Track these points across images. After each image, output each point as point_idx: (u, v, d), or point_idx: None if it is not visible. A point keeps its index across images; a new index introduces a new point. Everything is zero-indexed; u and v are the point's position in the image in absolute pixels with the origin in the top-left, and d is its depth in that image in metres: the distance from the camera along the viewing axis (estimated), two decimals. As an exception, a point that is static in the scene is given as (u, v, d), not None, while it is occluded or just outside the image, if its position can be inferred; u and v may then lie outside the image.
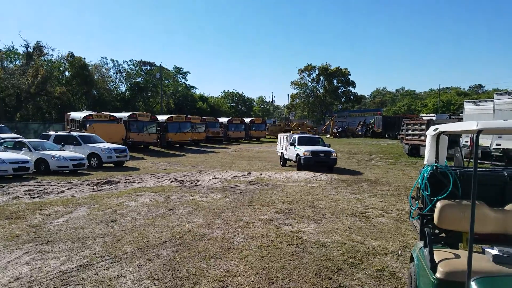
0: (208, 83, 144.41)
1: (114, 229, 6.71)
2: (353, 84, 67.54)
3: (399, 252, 5.66)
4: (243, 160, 21.50)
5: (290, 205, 9.10)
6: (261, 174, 15.10)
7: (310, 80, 70.86)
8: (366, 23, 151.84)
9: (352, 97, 68.27)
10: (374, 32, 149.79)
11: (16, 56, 45.19)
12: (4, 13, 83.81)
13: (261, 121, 44.62)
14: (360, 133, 44.84)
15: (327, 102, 69.43)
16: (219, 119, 40.00)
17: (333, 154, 16.15)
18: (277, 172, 15.82)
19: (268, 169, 16.88)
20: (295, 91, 72.59)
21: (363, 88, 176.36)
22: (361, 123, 46.48)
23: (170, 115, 32.34)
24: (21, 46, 44.69)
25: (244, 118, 43.93)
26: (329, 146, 17.31)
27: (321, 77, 69.30)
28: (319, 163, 16.11)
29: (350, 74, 66.92)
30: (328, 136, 48.25)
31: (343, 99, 69.45)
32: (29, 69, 38.93)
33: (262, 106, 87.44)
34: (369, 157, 22.08)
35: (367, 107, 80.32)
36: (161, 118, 30.28)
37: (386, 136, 41.08)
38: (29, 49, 41.82)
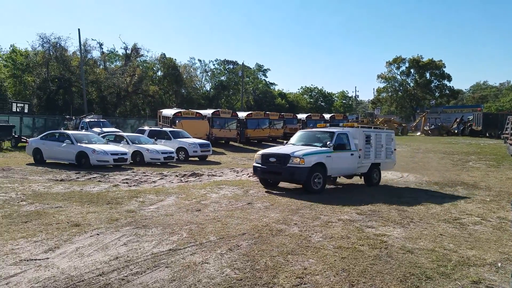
0: (287, 79, 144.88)
1: (199, 218, 7.19)
2: (449, 77, 61.82)
3: (499, 264, 5.08)
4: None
5: (373, 206, 8.73)
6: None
7: (399, 73, 66.70)
8: (463, 9, 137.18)
9: (447, 92, 62.51)
10: (473, 19, 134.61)
11: (117, 58, 50.63)
12: (108, 19, 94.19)
13: (342, 117, 43.40)
14: (456, 131, 40.82)
15: (418, 97, 64.66)
16: (297, 115, 39.93)
17: (296, 159, 9.83)
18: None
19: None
20: (382, 85, 68.94)
21: (461, 81, 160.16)
22: (457, 120, 42.25)
23: (249, 112, 33.32)
24: (121, 48, 49.86)
25: (323, 114, 43.16)
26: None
27: (412, 70, 64.73)
28: (270, 173, 10.59)
29: (445, 67, 61.37)
30: (418, 133, 44.94)
31: (436, 94, 64.02)
32: (127, 69, 43.35)
33: (344, 101, 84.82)
34: (466, 158, 20.05)
35: (465, 103, 72.76)
36: (241, 114, 31.33)
37: (487, 135, 36.76)
38: (127, 51, 46.53)
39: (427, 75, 63.85)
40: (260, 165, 10.70)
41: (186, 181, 12.44)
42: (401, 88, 66.68)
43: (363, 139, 11.74)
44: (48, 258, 4.89)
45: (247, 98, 60.06)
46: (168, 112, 29.66)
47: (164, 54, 52.08)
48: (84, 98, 36.63)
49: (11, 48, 45.34)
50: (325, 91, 80.00)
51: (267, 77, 71.41)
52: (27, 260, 4.81)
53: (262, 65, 69.67)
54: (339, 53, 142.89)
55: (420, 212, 8.25)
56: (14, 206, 7.75)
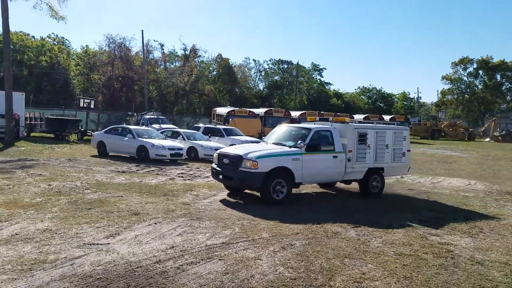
0: (343, 79, 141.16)
1: (251, 215, 7.17)
2: (524, 80, 56.44)
3: None
4: (380, 161, 20.30)
5: (438, 214, 8.14)
6: (401, 177, 13.97)
7: (466, 74, 62.25)
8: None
9: (522, 95, 57.14)
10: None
11: (176, 58, 52.76)
12: (170, 21, 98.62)
13: (403, 119, 41.36)
14: (531, 138, 37.13)
15: (487, 100, 59.86)
16: (354, 116, 38.75)
17: (248, 163, 8.08)
18: (421, 176, 14.39)
19: (411, 172, 15.51)
20: (447, 87, 64.78)
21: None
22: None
23: (302, 111, 32.93)
24: (180, 49, 51.90)
25: (383, 116, 41.46)
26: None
27: (480, 71, 60.08)
28: (224, 178, 8.83)
29: (518, 68, 56.09)
30: (487, 139, 41.60)
31: (508, 97, 58.75)
32: (185, 69, 45.02)
33: (405, 102, 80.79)
34: (545, 168, 18.08)
35: (543, 107, 65.93)
36: (294, 114, 31.06)
37: None
38: (186, 52, 48.34)
39: (498, 77, 58.89)
40: (216, 167, 9.00)
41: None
42: (468, 90, 62.20)
43: (355, 138, 9.28)
44: (109, 244, 5.14)
45: (301, 97, 59.60)
46: (222, 110, 30.30)
47: (220, 54, 53.40)
48: (145, 96, 38.65)
49: (84, 48, 49.21)
50: (384, 91, 76.77)
51: (322, 76, 70.24)
52: (90, 244, 5.09)
53: (318, 65, 68.68)
54: (400, 52, 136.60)
55: (491, 222, 7.54)
56: (79, 194, 8.30)
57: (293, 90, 56.53)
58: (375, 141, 9.66)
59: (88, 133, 24.47)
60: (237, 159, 8.33)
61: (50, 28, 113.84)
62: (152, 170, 13.04)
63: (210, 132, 20.61)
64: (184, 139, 18.23)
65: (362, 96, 75.76)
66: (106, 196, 8.19)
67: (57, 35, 52.13)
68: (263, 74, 62.54)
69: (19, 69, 39.44)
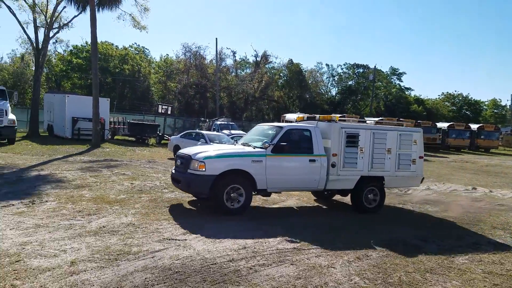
0: (425, 84, 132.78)
1: (323, 222, 7.09)
2: None
3: None
4: (466, 172, 18.69)
5: (537, 233, 7.27)
6: (490, 191, 12.72)
7: None
8: None
9: None
10: None
11: (247, 65, 54.26)
12: (242, 28, 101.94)
13: (493, 128, 37.66)
14: None
15: None
16: (436, 123, 36.21)
17: (195, 163, 7.14)
18: (515, 191, 12.95)
19: (502, 186, 14.05)
20: (548, 93, 57.54)
21: None
22: None
23: (379, 118, 31.56)
24: (252, 56, 53.29)
25: (469, 124, 38.16)
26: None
27: None
28: (174, 180, 7.94)
29: None
30: None
31: None
32: (256, 76, 46.09)
33: (495, 110, 73.51)
34: None
35: None
36: (370, 121, 29.95)
37: None
38: (257, 58, 49.49)
39: None
40: (173, 170, 8.14)
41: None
42: None
43: (342, 140, 7.84)
44: (186, 240, 5.48)
45: (377, 103, 57.28)
46: (291, 116, 30.43)
47: (291, 59, 53.69)
48: (216, 102, 40.34)
49: (163, 57, 53.03)
50: (471, 98, 70.57)
51: (402, 81, 66.63)
52: (169, 239, 5.47)
53: (397, 69, 65.36)
54: (490, 56, 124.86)
55: None
56: (158, 193, 8.94)
57: (369, 96, 54.59)
58: (370, 144, 8.07)
59: (165, 137, 26.20)
60: (187, 160, 7.39)
61: (132, 38, 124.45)
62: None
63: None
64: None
65: (446, 103, 70.49)
66: (182, 196, 8.69)
67: (138, 45, 56.90)
68: (336, 79, 61.39)
69: (104, 77, 43.70)
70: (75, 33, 75.82)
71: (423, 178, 9.04)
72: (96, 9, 19.91)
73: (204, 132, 18.98)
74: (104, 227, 5.91)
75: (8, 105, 17.59)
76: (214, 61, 43.50)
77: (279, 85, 54.20)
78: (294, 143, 7.69)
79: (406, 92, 65.88)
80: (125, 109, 39.91)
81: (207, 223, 6.46)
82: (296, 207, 8.57)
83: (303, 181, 7.74)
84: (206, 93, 45.32)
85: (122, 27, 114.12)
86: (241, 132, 26.62)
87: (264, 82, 46.52)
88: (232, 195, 7.12)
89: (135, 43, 56.01)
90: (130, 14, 23.68)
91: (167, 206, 7.60)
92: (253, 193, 7.44)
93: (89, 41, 24.14)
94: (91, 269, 4.26)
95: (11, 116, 17.28)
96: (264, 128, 8.62)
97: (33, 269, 4.16)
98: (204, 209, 7.64)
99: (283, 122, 31.95)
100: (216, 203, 7.13)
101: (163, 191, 9.16)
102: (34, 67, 26.28)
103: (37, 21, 22.84)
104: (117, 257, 4.66)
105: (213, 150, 7.60)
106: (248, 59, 54.09)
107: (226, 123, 28.78)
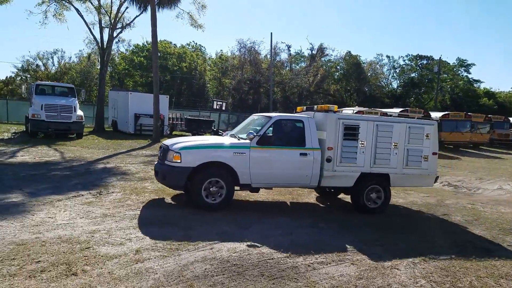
0: (497, 76, 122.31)
1: (382, 222, 6.83)
2: None
3: None
4: (548, 172, 16.95)
5: None
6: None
7: None
8: None
9: None
10: None
11: (302, 59, 53.73)
12: (298, 21, 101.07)
13: None
14: None
15: None
16: (510, 118, 33.26)
17: (171, 154, 6.84)
18: None
19: None
20: None
21: None
22: None
23: (445, 112, 29.74)
24: (307, 49, 52.76)
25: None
26: None
27: None
28: (155, 172, 7.75)
29: None
30: None
31: None
32: (311, 69, 45.50)
33: None
34: None
35: None
36: (435, 115, 28.24)
37: None
38: (313, 52, 48.78)
39: None
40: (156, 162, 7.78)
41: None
42: None
43: (339, 132, 7.16)
44: (242, 234, 5.58)
45: (442, 97, 53.90)
46: (349, 111, 29.54)
47: (349, 52, 52.25)
48: (270, 98, 40.46)
49: (218, 53, 54.30)
50: (552, 90, 63.86)
51: (470, 73, 62.04)
52: (227, 232, 5.60)
53: (465, 60, 60.88)
54: None
55: None
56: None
57: (434, 89, 51.51)
58: (373, 137, 7.34)
59: (219, 133, 26.85)
60: (165, 151, 7.10)
61: (189, 37, 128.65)
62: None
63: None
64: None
65: (521, 96, 64.42)
66: (244, 192, 8.81)
67: (195, 43, 58.75)
68: (397, 71, 58.65)
69: (163, 75, 45.70)
70: (136, 33, 80.00)
71: (437, 177, 8.06)
72: (156, 9, 20.79)
73: (258, 127, 19.15)
74: (164, 217, 6.19)
75: (77, 102, 19.00)
76: (268, 56, 43.64)
77: (336, 78, 53.00)
78: (283, 135, 7.26)
79: (475, 85, 61.20)
80: (182, 105, 41.46)
81: (263, 217, 6.51)
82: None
83: (292, 177, 7.14)
84: (259, 88, 45.64)
85: (180, 25, 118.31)
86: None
87: (320, 76, 45.74)
88: (211, 189, 6.69)
89: (193, 41, 58.07)
90: (188, 13, 24.48)
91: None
92: (236, 188, 7.01)
93: (149, 40, 25.35)
94: (155, 258, 4.48)
95: (79, 112, 18.66)
96: (255, 119, 8.02)
97: (102, 256, 4.46)
98: (260, 203, 7.70)
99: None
100: (193, 197, 6.75)
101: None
102: (99, 65, 28.14)
103: (102, 22, 24.41)
104: (178, 247, 4.86)
105: (193, 141, 7.24)
106: (303, 53, 53.56)
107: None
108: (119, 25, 25.11)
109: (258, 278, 4.08)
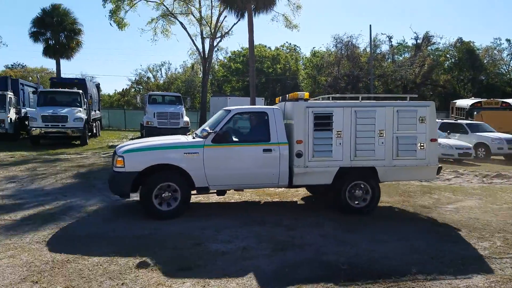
0: None
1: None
2: None
3: None
4: None
5: None
6: None
7: None
8: None
9: None
10: None
11: (405, 49, 50.30)
12: (400, 10, 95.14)
13: None
14: None
15: None
16: None
17: (116, 159, 6.24)
18: None
19: None
20: None
21: None
22: None
23: None
24: (411, 38, 49.05)
25: None
26: None
27: None
28: None
29: None
30: None
31: None
32: (416, 60, 42.31)
33: None
34: None
35: None
36: None
37: None
38: (418, 41, 45.31)
39: None
40: None
41: (490, 183, 10.75)
42: None
43: (308, 122, 6.36)
44: (349, 237, 5.40)
45: None
46: (464, 102, 26.77)
47: (460, 38, 47.31)
48: (371, 92, 38.75)
49: (312, 51, 54.04)
50: None
51: None
52: (332, 235, 5.48)
53: None
54: None
55: None
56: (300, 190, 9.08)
57: None
58: (352, 125, 6.44)
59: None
60: (113, 155, 6.49)
61: (283, 38, 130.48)
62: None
63: (449, 128, 18.65)
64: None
65: None
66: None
67: (290, 43, 59.26)
68: (521, 56, 51.15)
69: (259, 77, 47.04)
70: (234, 40, 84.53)
71: (440, 168, 6.87)
72: (253, 14, 21.51)
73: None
74: (268, 216, 6.31)
75: (183, 109, 20.67)
76: (367, 49, 41.86)
77: (446, 68, 48.40)
78: (245, 130, 6.83)
79: None
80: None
81: (373, 221, 6.22)
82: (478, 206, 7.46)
83: (257, 176, 6.45)
84: (358, 84, 43.99)
85: (275, 28, 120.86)
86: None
87: (427, 66, 42.22)
88: (164, 195, 6.10)
89: (287, 41, 58.62)
90: (283, 14, 24.87)
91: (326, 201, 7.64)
92: (193, 192, 6.41)
93: (245, 46, 26.34)
94: (261, 256, 4.59)
95: (186, 118, 20.24)
96: (220, 113, 7.17)
97: (212, 252, 4.72)
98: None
99: (452, 109, 28.38)
100: (143, 205, 6.15)
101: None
102: (201, 74, 30.24)
103: (203, 33, 26.21)
104: (283, 247, 4.90)
105: (140, 143, 6.73)
106: (406, 43, 50.12)
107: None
108: (218, 35, 26.67)
109: (371, 285, 3.88)
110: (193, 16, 26.04)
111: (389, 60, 47.16)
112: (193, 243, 5.01)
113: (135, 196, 6.53)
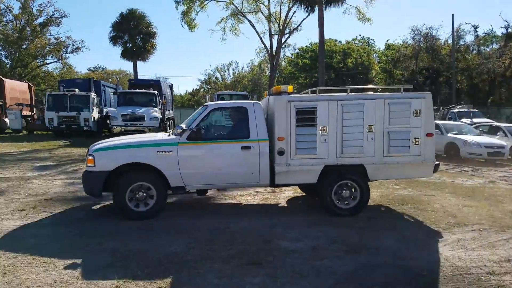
0: None
1: None
2: None
3: None
4: None
5: None
6: None
7: None
8: None
9: None
10: None
11: (493, 40, 46.05)
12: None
13: None
14: None
15: None
16: None
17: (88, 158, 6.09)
18: None
19: None
20: None
21: None
22: None
23: None
24: (500, 27, 44.91)
25: None
26: None
27: None
28: None
29: None
30: None
31: None
32: (507, 50, 38.53)
33: None
34: None
35: None
36: None
37: None
38: (508, 29, 41.24)
39: None
40: None
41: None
42: None
43: (290, 118, 6.06)
44: (430, 243, 5.12)
45: None
46: None
47: None
48: (453, 87, 36.12)
49: (386, 44, 51.78)
50: None
51: None
52: (410, 239, 5.24)
53: None
54: None
55: None
56: (389, 189, 8.70)
57: None
58: (338, 120, 6.05)
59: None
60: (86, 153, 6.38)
61: (355, 31, 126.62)
62: (464, 170, 11.98)
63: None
64: (506, 135, 15.72)
65: None
66: (417, 193, 8.17)
67: (362, 37, 57.35)
68: None
69: (328, 73, 46.18)
70: (302, 36, 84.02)
71: (438, 165, 6.40)
72: (324, 8, 21.24)
73: (439, 122, 17.29)
74: (339, 217, 6.20)
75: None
76: (449, 40, 39.07)
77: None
78: (222, 127, 6.66)
79: None
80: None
81: (454, 227, 5.80)
82: None
83: (236, 175, 6.16)
84: (438, 78, 41.30)
85: (346, 21, 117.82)
86: (486, 120, 22.91)
87: (519, 58, 38.23)
88: (138, 195, 5.92)
89: (359, 35, 56.85)
90: (355, 7, 24.22)
91: (401, 203, 7.29)
92: (170, 192, 6.21)
93: (314, 42, 26.09)
94: (332, 257, 4.53)
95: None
96: (199, 109, 6.91)
97: (282, 249, 4.77)
98: (453, 209, 6.90)
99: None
100: (116, 205, 5.99)
101: (394, 187, 8.87)
102: (268, 72, 30.54)
103: (272, 30, 26.44)
104: (356, 249, 4.78)
105: (114, 141, 6.56)
106: (494, 32, 45.84)
107: (465, 110, 25.48)
108: (286, 31, 26.78)
109: (452, 293, 3.65)
110: (262, 13, 26.44)
111: (474, 52, 43.55)
112: (262, 239, 5.10)
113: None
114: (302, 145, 6.09)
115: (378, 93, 6.57)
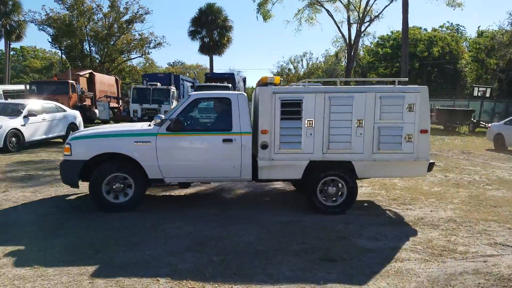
0: None
1: None
2: None
3: None
4: None
5: None
6: None
7: None
8: None
9: None
10: None
11: None
12: None
13: None
14: None
15: None
16: None
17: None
18: None
19: None
20: None
21: None
22: None
23: None
24: None
25: None
26: None
27: None
28: None
29: None
30: None
31: None
32: None
33: None
34: None
35: None
36: None
37: None
38: None
39: None
40: None
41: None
42: None
43: (275, 110, 5.68)
44: (524, 249, 4.60)
45: None
46: None
47: None
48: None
49: (478, 31, 47.36)
50: None
51: None
52: (503, 245, 4.75)
53: None
54: None
55: None
56: (480, 189, 7.99)
57: None
58: (325, 114, 5.72)
59: (481, 125, 23.41)
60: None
61: (443, 17, 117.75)
62: None
63: None
64: None
65: None
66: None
67: (451, 23, 53.16)
68: None
69: (411, 62, 43.54)
70: (382, 24, 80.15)
71: (433, 164, 6.04)
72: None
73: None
74: (422, 218, 5.83)
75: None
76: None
77: None
78: (204, 118, 6.58)
79: None
80: (433, 95, 38.43)
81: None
82: None
83: (216, 169, 5.93)
84: (541, 68, 36.79)
85: (433, 8, 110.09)
86: None
87: None
88: (115, 186, 5.79)
89: (448, 21, 52.72)
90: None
91: (494, 205, 6.66)
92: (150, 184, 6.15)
93: (395, 30, 24.77)
94: (415, 260, 4.27)
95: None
96: (183, 99, 6.69)
97: (358, 247, 4.62)
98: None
99: None
100: (92, 196, 5.82)
101: (486, 187, 8.13)
102: (345, 62, 29.68)
103: (351, 18, 25.63)
104: (442, 253, 4.47)
105: (92, 129, 6.40)
106: None
107: None
108: (367, 19, 25.75)
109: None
110: (341, 2, 25.74)
111: None
112: (337, 236, 4.99)
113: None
114: (286, 139, 5.84)
115: (368, 86, 6.10)
